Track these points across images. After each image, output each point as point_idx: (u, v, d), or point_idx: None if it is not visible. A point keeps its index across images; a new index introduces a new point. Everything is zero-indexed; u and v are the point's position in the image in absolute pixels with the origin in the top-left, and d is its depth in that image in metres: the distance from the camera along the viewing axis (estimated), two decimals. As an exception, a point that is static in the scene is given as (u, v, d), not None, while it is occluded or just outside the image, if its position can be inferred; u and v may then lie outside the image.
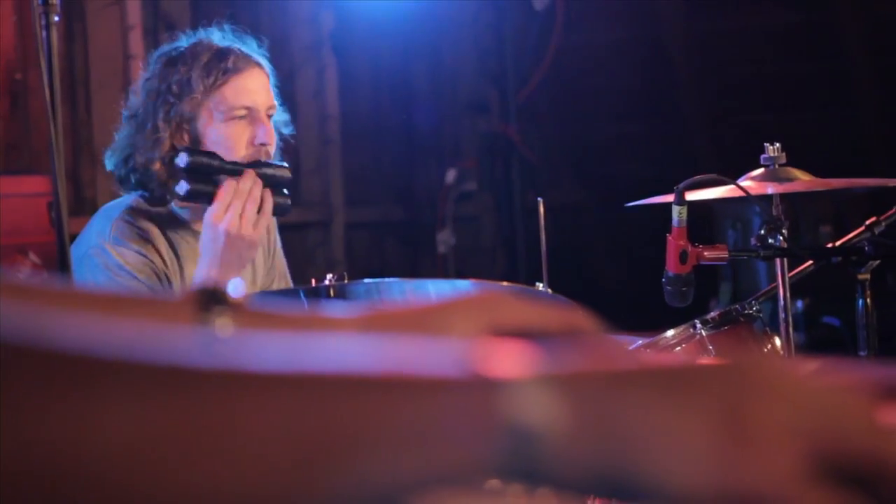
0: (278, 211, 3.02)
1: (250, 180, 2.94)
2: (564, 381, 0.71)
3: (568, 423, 0.70)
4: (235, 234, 2.89)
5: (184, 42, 3.05)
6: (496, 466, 0.70)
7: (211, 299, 0.95)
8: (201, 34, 3.06)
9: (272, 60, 3.12)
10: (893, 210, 2.83)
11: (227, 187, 2.92)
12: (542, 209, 2.90)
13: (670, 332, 2.72)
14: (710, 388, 0.72)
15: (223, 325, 0.94)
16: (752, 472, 0.70)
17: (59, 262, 2.47)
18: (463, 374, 0.71)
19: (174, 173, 2.96)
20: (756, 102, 6.86)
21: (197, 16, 5.42)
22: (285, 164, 3.09)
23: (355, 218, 6.64)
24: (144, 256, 2.95)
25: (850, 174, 3.02)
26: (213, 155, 2.96)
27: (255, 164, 2.98)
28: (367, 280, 2.60)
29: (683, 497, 0.71)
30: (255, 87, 3.02)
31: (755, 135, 3.08)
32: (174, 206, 3.05)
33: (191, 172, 2.94)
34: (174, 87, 2.98)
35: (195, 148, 2.98)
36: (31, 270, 4.52)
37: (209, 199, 2.94)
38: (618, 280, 6.84)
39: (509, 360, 0.72)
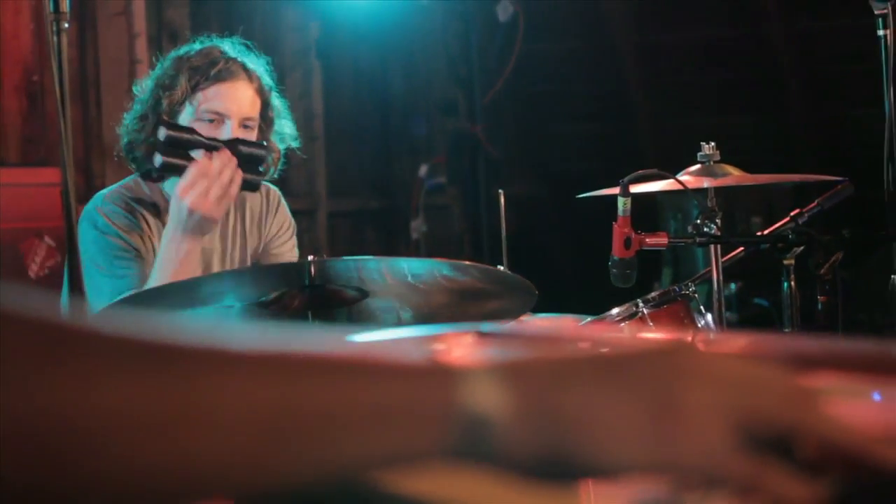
0: (247, 187, 2.88)
1: (222, 160, 2.80)
2: (511, 370, 0.71)
3: (514, 408, 0.70)
4: (196, 210, 2.77)
5: (197, 45, 2.99)
6: (450, 448, 0.69)
7: None
8: (215, 41, 3.00)
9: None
10: (815, 203, 2.84)
11: (199, 165, 2.79)
12: (502, 200, 2.90)
13: (615, 310, 2.74)
14: (643, 373, 0.73)
15: None
16: (684, 448, 0.71)
17: (67, 243, 2.47)
18: (423, 362, 0.71)
19: (154, 147, 2.86)
20: (695, 106, 6.87)
21: (196, 25, 5.40)
22: (263, 143, 2.95)
23: (337, 207, 6.63)
24: (132, 220, 2.90)
25: (778, 171, 3.03)
26: (191, 130, 2.85)
27: (232, 142, 2.86)
28: (346, 257, 2.57)
29: (622, 475, 0.71)
30: (235, 96, 2.91)
31: (693, 135, 3.08)
32: (165, 186, 2.98)
33: (168, 145, 2.82)
34: (167, 81, 2.92)
35: (176, 123, 2.88)
36: (45, 250, 4.51)
37: (181, 172, 2.81)
38: (570, 263, 6.85)
39: (464, 350, 0.72)
